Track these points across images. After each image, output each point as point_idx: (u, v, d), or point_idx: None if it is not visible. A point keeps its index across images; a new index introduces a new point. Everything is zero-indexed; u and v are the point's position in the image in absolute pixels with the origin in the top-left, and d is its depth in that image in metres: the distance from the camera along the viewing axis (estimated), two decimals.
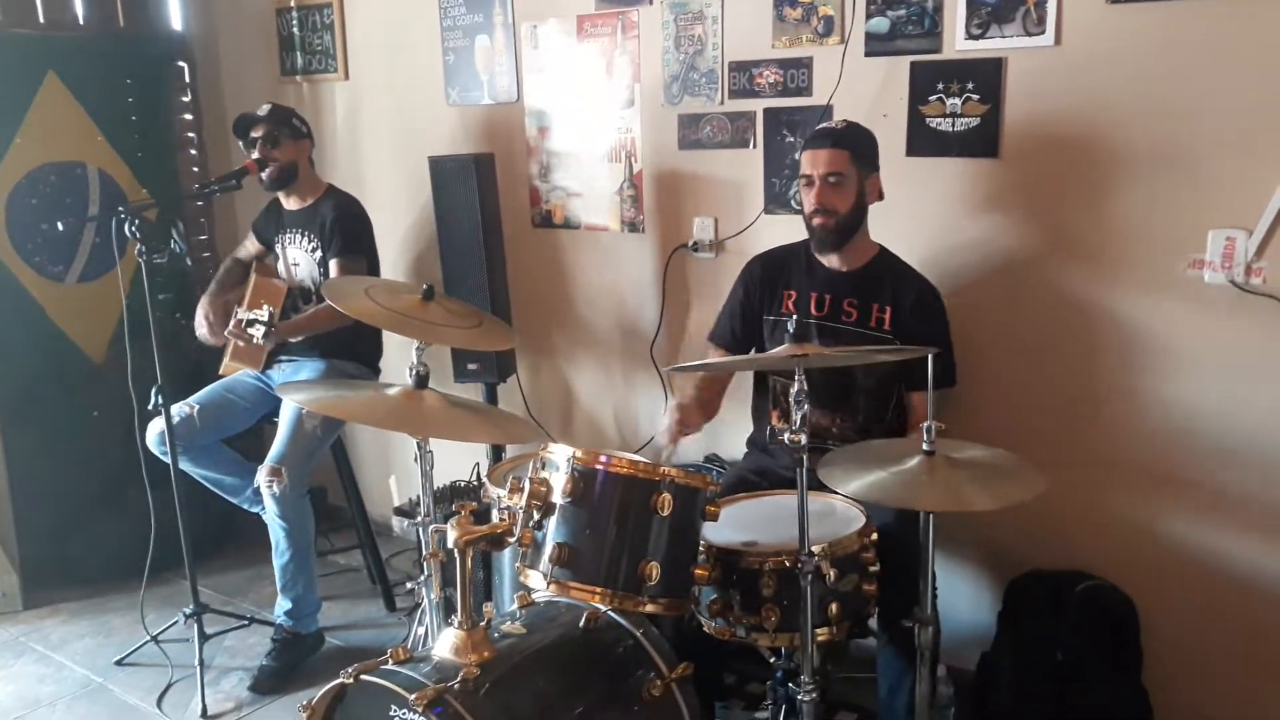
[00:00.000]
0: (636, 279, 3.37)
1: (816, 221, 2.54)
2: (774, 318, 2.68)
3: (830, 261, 2.64)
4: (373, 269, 3.43)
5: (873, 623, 2.34)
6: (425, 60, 3.69)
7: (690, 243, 3.20)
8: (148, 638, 3.24)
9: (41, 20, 3.84)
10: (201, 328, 3.42)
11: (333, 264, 3.30)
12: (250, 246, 3.59)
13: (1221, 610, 2.52)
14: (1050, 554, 2.67)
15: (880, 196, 2.60)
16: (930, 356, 2.01)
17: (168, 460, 3.06)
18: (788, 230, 2.89)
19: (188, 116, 4.21)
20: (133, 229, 2.89)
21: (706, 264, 3.19)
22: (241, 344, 3.20)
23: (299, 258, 3.42)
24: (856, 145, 2.54)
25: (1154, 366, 2.52)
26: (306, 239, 3.39)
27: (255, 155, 3.29)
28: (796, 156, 2.91)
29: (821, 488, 2.03)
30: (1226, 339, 2.41)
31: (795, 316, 2.10)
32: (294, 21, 4.04)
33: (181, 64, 4.19)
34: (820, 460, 2.07)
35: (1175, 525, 2.56)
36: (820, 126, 2.64)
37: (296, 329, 3.25)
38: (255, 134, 3.29)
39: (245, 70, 4.26)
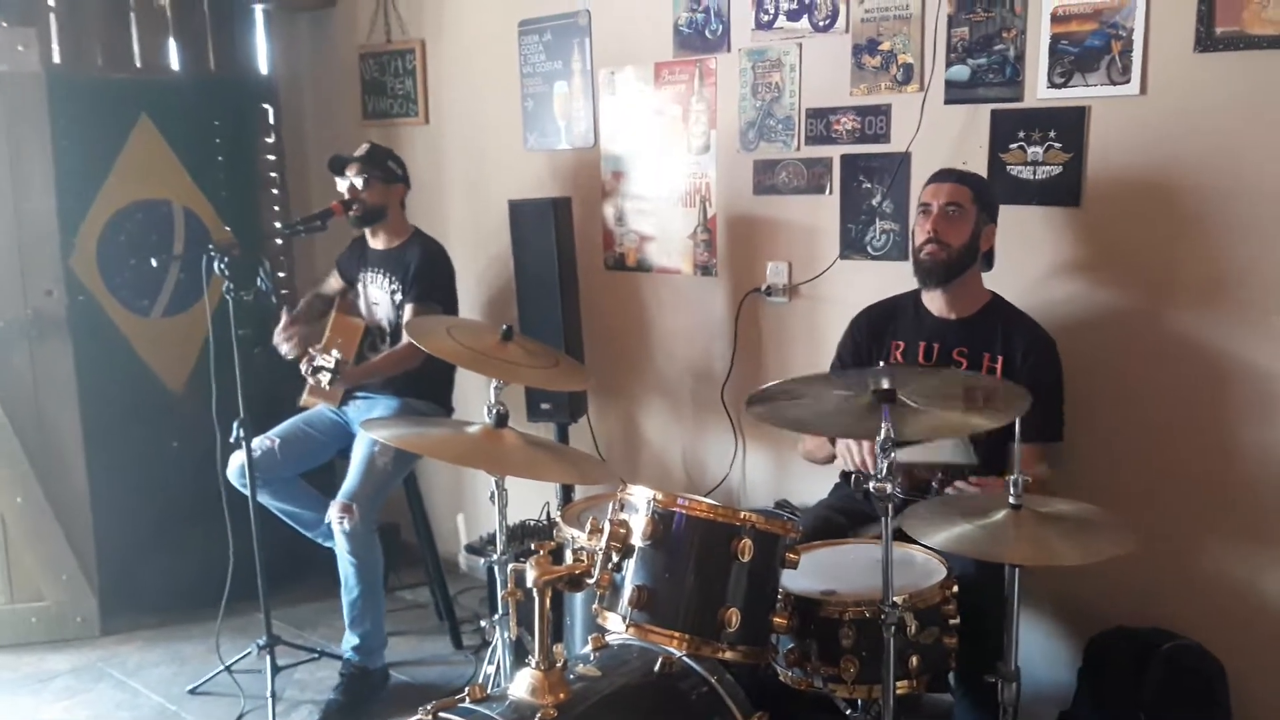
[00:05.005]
0: (708, 322, 3.38)
1: (926, 251, 2.50)
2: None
3: (939, 309, 2.60)
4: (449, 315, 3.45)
5: (948, 677, 2.29)
6: (505, 106, 3.76)
7: (763, 287, 3.20)
8: (221, 667, 3.28)
9: (138, 65, 4.00)
10: (284, 345, 3.42)
11: (408, 308, 3.35)
12: (334, 282, 3.66)
13: None
14: (1134, 612, 2.60)
15: (990, 260, 2.58)
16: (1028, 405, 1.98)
17: (247, 492, 3.11)
18: (864, 276, 2.89)
19: (271, 157, 4.35)
20: (221, 266, 2.97)
21: (779, 308, 3.20)
22: (313, 384, 3.25)
23: (379, 297, 3.48)
24: (980, 186, 2.55)
25: (1247, 421, 2.46)
26: (389, 280, 3.44)
27: (345, 195, 3.36)
28: (874, 202, 2.92)
29: (906, 538, 2.00)
30: None
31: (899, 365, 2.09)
32: (377, 66, 4.15)
33: (267, 106, 4.33)
34: (903, 512, 2.04)
35: (1273, 588, 2.48)
36: (947, 167, 2.64)
37: (366, 374, 3.31)
38: (348, 173, 3.37)
39: (328, 113, 4.38)
